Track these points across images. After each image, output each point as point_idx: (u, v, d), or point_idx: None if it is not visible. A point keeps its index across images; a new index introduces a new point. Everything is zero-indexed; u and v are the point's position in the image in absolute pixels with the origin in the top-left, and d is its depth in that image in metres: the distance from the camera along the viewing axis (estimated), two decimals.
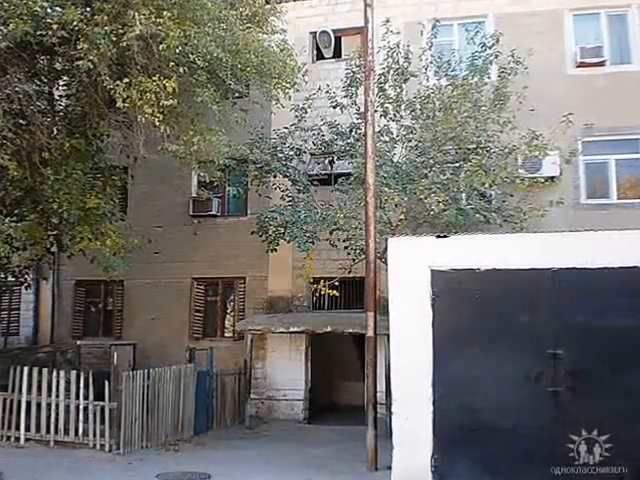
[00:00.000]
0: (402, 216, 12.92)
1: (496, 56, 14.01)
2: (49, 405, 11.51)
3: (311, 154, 15.56)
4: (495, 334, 8.42)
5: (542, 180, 13.71)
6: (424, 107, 13.73)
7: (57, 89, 12.82)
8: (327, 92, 14.64)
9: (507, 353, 8.38)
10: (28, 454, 10.92)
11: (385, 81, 13.81)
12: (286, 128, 15.01)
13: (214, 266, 16.65)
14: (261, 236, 14.10)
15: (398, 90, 13.84)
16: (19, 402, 11.59)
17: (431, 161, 13.10)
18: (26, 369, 11.68)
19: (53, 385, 11.58)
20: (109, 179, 13.55)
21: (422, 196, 12.44)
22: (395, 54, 13.75)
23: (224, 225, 16.95)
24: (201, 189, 16.88)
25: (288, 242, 13.91)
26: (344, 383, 17.16)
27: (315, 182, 15.02)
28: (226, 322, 17.17)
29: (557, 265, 8.26)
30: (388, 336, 9.07)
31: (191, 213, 16.87)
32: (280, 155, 14.85)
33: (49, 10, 10.46)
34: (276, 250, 14.33)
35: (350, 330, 13.90)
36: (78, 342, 16.00)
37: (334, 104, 14.41)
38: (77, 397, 11.43)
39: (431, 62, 14.32)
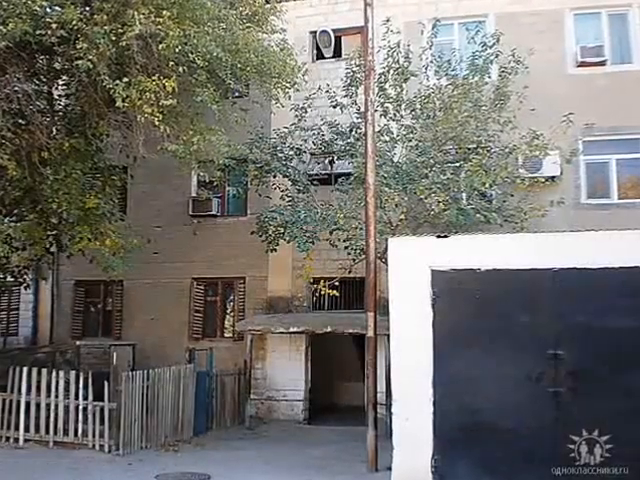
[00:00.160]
0: (402, 216, 12.91)
1: (497, 55, 13.99)
2: (48, 405, 11.49)
3: (311, 154, 15.54)
4: (496, 334, 8.40)
5: (543, 180, 13.70)
6: (424, 107, 13.71)
7: (56, 89, 12.81)
8: (327, 92, 14.61)
9: (508, 353, 8.36)
10: (27, 454, 10.91)
11: (385, 81, 13.79)
12: (286, 128, 15.00)
13: (214, 266, 16.64)
14: (261, 236, 14.08)
15: (398, 90, 13.82)
16: (18, 402, 11.58)
17: (431, 161, 13.07)
18: (25, 369, 11.67)
19: (52, 385, 11.56)
20: (108, 179, 13.54)
21: (422, 196, 12.42)
22: (395, 53, 13.72)
23: (224, 225, 16.93)
24: (201, 189, 16.85)
25: (288, 242, 13.88)
26: (344, 383, 17.13)
27: (315, 182, 14.99)
28: (226, 322, 17.15)
29: (558, 265, 8.24)
30: (388, 336, 9.06)
31: (191, 213, 16.85)
32: (280, 155, 14.83)
33: (48, 9, 10.44)
34: (276, 250, 14.31)
35: (350, 330, 13.88)
36: (77, 342, 15.99)
37: (334, 104, 14.39)
38: (76, 397, 11.42)
39: (431, 61, 14.29)
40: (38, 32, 10.16)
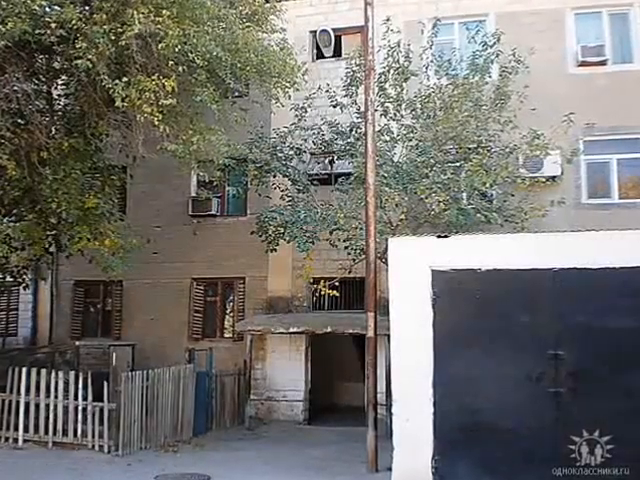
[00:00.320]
0: (402, 216, 12.89)
1: (497, 55, 13.97)
2: (47, 406, 11.47)
3: (311, 154, 15.52)
4: (496, 334, 8.39)
5: (543, 180, 13.69)
6: (425, 106, 13.70)
7: (56, 88, 12.80)
8: (327, 91, 14.59)
9: (508, 354, 8.34)
10: (26, 455, 10.90)
11: (385, 80, 13.77)
12: (286, 127, 14.98)
13: (213, 266, 16.61)
14: (261, 236, 14.06)
15: (398, 89, 13.80)
16: (17, 403, 11.58)
17: (432, 161, 13.04)
18: (25, 370, 11.65)
19: (52, 386, 11.53)
20: (108, 179, 13.52)
21: (423, 196, 12.40)
22: (395, 53, 13.70)
23: (224, 225, 16.90)
24: (200, 189, 16.80)
25: (288, 242, 13.86)
26: (344, 384, 17.11)
27: (315, 182, 14.97)
28: (226, 322, 17.13)
29: (558, 265, 8.23)
30: (388, 336, 9.03)
31: (190, 213, 16.82)
32: (280, 155, 14.81)
33: (47, 9, 10.44)
34: (276, 250, 14.30)
35: (350, 330, 13.87)
36: (77, 343, 15.97)
37: (334, 103, 14.37)
38: (76, 398, 11.39)
39: (432, 61, 14.28)
40: (37, 31, 10.14)
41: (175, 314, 16.71)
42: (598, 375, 8.06)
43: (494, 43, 13.97)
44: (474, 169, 12.43)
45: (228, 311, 17.24)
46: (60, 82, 12.67)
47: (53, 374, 11.70)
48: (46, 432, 11.37)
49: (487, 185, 12.53)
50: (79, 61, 10.10)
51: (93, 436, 11.16)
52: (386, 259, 9.91)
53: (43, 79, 12.32)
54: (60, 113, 12.78)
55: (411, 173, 12.92)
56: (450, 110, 13.19)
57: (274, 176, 14.87)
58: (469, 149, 13.22)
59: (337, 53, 16.64)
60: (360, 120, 13.56)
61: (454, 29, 15.80)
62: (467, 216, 12.50)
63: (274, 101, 13.26)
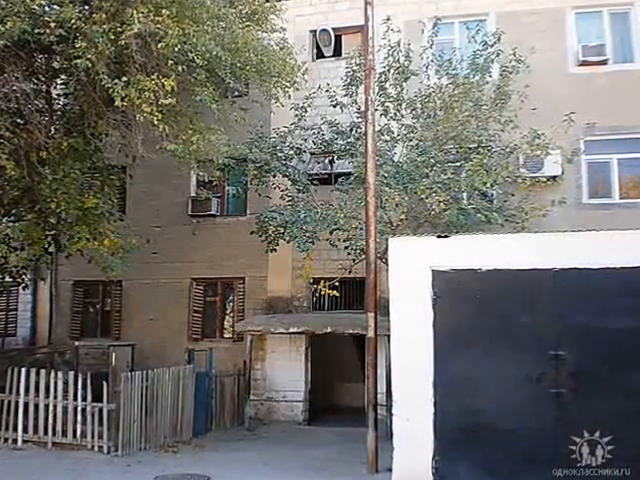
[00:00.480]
0: (403, 216, 12.87)
1: (497, 55, 13.94)
2: (47, 406, 11.46)
3: (311, 153, 15.49)
4: (496, 335, 8.38)
5: (544, 180, 13.67)
6: (425, 106, 13.67)
7: (55, 88, 12.77)
8: (327, 91, 14.56)
9: (508, 354, 8.33)
10: (26, 456, 10.89)
11: (386, 80, 13.75)
12: (286, 127, 14.96)
13: (213, 266, 16.59)
14: (260, 236, 14.04)
15: (399, 89, 13.78)
16: (17, 403, 11.57)
17: (432, 160, 13.02)
18: (24, 370, 11.64)
19: (51, 386, 11.52)
20: (107, 179, 13.51)
21: (423, 196, 12.37)
22: (396, 52, 13.68)
23: (223, 225, 16.87)
24: (200, 189, 16.76)
25: (288, 242, 13.84)
26: (344, 384, 17.07)
27: (315, 182, 14.94)
28: (225, 323, 17.10)
29: (559, 265, 8.21)
30: (389, 337, 9.02)
31: (190, 213, 16.79)
32: (280, 154, 14.79)
33: (47, 8, 10.43)
34: (276, 250, 14.27)
35: (350, 331, 13.84)
36: (76, 343, 15.92)
37: (334, 103, 14.35)
38: (75, 398, 11.38)
39: (432, 61, 14.25)
40: (37, 31, 10.12)
41: (175, 314, 16.69)
42: (599, 375, 8.04)
43: (494, 43, 13.95)
44: (474, 169, 12.40)
45: (228, 311, 17.21)
46: (59, 82, 12.65)
47: (52, 374, 11.68)
48: (45, 433, 11.36)
49: (487, 185, 12.51)
50: (78, 60, 10.08)
51: (92, 437, 11.14)
52: (386, 259, 9.90)
53: (42, 78, 12.29)
54: (59, 113, 12.75)
55: (411, 173, 12.89)
56: (450, 110, 13.16)
57: (274, 176, 14.84)
58: (469, 149, 13.18)
59: (337, 52, 16.60)
60: (360, 120, 13.54)
61: (454, 28, 15.76)
62: (467, 216, 12.47)
63: (274, 101, 13.25)
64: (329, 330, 14.02)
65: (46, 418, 11.39)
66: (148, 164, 13.01)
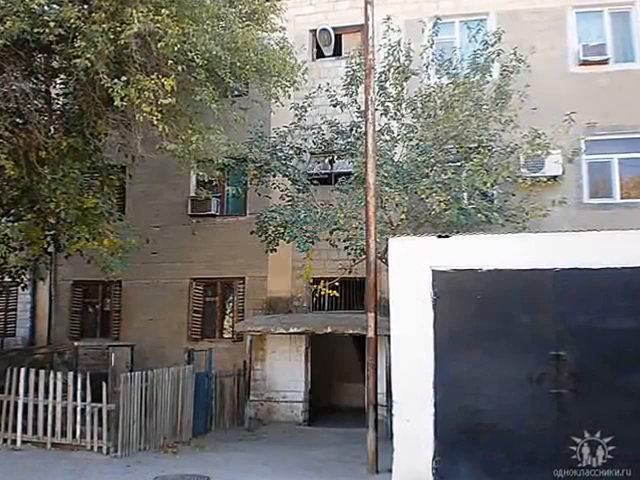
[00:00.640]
0: (403, 216, 12.84)
1: (498, 54, 13.90)
2: (46, 407, 11.41)
3: (311, 153, 15.46)
4: (497, 335, 8.36)
5: (544, 179, 13.65)
6: (425, 106, 13.65)
7: (54, 87, 12.73)
8: (327, 90, 14.55)
9: (509, 354, 8.31)
10: (25, 456, 10.85)
11: (386, 79, 13.75)
12: (286, 127, 14.94)
13: (213, 266, 16.56)
14: (260, 236, 14.02)
15: (399, 88, 13.77)
16: (16, 404, 11.52)
17: (432, 160, 13.00)
18: (23, 370, 11.59)
19: (50, 386, 11.47)
20: (107, 178, 13.50)
21: (423, 196, 12.36)
22: (396, 52, 13.67)
23: (223, 225, 16.85)
24: (200, 188, 16.71)
25: (288, 242, 13.81)
26: (344, 384, 17.07)
27: (315, 181, 14.92)
28: (225, 323, 17.07)
29: (559, 265, 8.19)
30: (389, 337, 9.00)
31: (190, 213, 16.76)
32: (280, 154, 14.77)
33: (46, 8, 10.38)
34: (276, 250, 14.25)
35: (350, 331, 13.83)
36: (75, 343, 15.85)
37: (334, 102, 14.33)
38: (74, 399, 11.34)
39: (432, 60, 14.24)
40: (36, 30, 10.09)
41: (174, 314, 16.66)
42: (600, 376, 8.02)
43: (495, 42, 13.91)
44: (475, 169, 12.39)
45: (228, 311, 17.18)
46: (59, 81, 12.62)
47: (52, 375, 11.63)
48: (45, 433, 11.31)
49: (488, 185, 12.50)
50: (78, 60, 10.06)
51: (92, 437, 11.10)
52: (386, 259, 9.88)
53: (42, 78, 12.25)
54: (59, 112, 12.71)
55: (412, 173, 12.87)
56: (451, 109, 13.15)
57: (274, 176, 14.82)
58: (470, 149, 13.16)
59: (337, 52, 16.59)
60: (360, 119, 13.52)
61: (455, 28, 15.73)
62: (468, 216, 12.45)
63: (274, 100, 13.22)
64: (329, 330, 13.99)
65: (45, 419, 11.35)
66: (148, 164, 12.99)
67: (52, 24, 9.94)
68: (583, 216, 13.87)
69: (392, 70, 13.74)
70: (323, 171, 15.57)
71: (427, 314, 8.40)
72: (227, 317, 17.11)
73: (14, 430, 11.40)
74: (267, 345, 15.91)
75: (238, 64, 11.43)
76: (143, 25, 9.76)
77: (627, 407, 7.87)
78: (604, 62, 15.00)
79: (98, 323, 17.88)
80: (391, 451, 8.44)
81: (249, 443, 12.76)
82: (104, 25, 9.98)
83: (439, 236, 8.97)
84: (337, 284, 13.63)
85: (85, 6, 10.73)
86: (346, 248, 12.93)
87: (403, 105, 13.79)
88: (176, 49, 10.11)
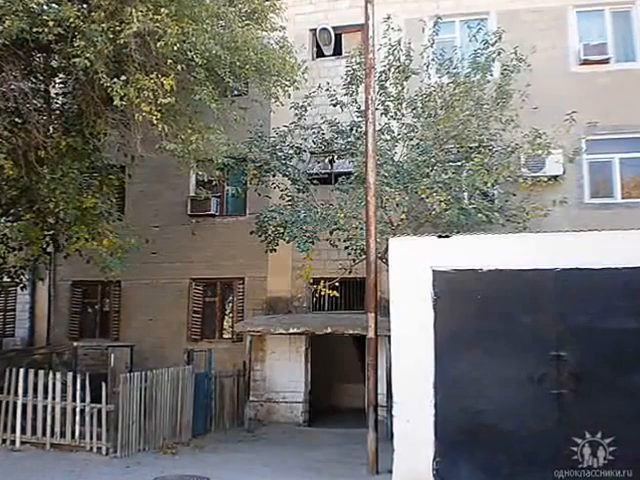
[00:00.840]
0: (403, 216, 12.82)
1: (499, 53, 13.88)
2: (45, 407, 11.38)
3: (311, 153, 15.43)
4: (497, 335, 8.34)
5: (545, 179, 13.64)
6: (425, 105, 13.64)
7: (53, 87, 12.72)
8: (327, 90, 14.55)
9: (510, 355, 8.29)
10: (24, 457, 10.82)
11: (386, 79, 13.74)
12: (286, 126, 14.92)
13: (213, 266, 16.53)
14: (260, 236, 14.00)
15: (399, 88, 13.75)
16: (15, 404, 11.49)
17: (433, 160, 12.98)
18: (22, 371, 11.57)
19: (49, 387, 11.43)
20: (106, 178, 13.46)
21: (424, 195, 12.34)
22: (396, 51, 13.65)
23: (223, 225, 16.82)
24: (199, 188, 16.70)
25: (287, 242, 13.79)
26: (344, 385, 17.05)
27: (315, 181, 14.90)
28: (225, 323, 17.04)
29: (560, 265, 8.17)
30: (389, 337, 8.97)
31: (189, 213, 16.73)
32: (280, 154, 14.74)
33: (45, 7, 10.41)
34: (275, 250, 14.23)
35: (351, 331, 13.81)
36: (75, 343, 15.83)
37: (334, 102, 14.33)
38: (73, 399, 11.30)
39: (433, 59, 14.23)
40: (35, 30, 10.08)
41: (174, 315, 16.63)
42: (601, 376, 8.01)
43: (495, 41, 13.89)
44: (475, 168, 12.37)
45: (227, 312, 17.15)
46: (58, 81, 12.63)
47: (51, 375, 11.60)
48: (44, 434, 11.26)
49: (488, 185, 12.49)
50: (77, 59, 10.07)
51: (91, 438, 11.06)
52: (387, 259, 9.85)
53: (41, 77, 12.23)
54: (58, 112, 12.71)
55: (412, 172, 12.85)
56: (451, 109, 13.14)
57: (274, 175, 14.80)
58: (470, 148, 13.15)
59: (337, 51, 16.57)
60: (360, 119, 13.51)
61: (455, 27, 15.71)
62: (468, 216, 12.43)
63: (274, 100, 13.19)
64: (329, 331, 13.97)
65: (44, 419, 11.31)
66: (147, 164, 13.00)
67: (51, 23, 9.95)
68: (584, 216, 13.84)
69: (392, 69, 13.72)
70: (323, 171, 15.55)
71: (427, 314, 8.38)
72: (227, 317, 17.07)
73: (13, 431, 11.36)
74: (267, 345, 15.88)
75: (238, 63, 11.43)
76: (142, 24, 9.76)
77: (628, 407, 7.86)
78: (605, 61, 14.98)
79: (97, 323, 17.83)
80: (391, 452, 8.42)
81: (249, 444, 12.73)
82: (103, 24, 9.98)
83: (439, 236, 8.96)
84: (337, 284, 13.61)
85: (84, 5, 10.74)
86: (346, 248, 12.90)
87: (403, 104, 13.78)
88: (175, 48, 10.10)
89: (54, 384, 11.44)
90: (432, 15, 14.49)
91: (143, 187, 16.84)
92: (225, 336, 16.81)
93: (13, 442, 11.33)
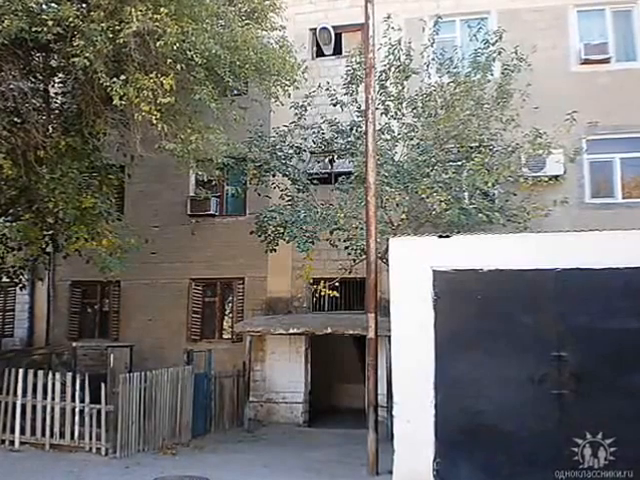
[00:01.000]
0: (403, 216, 12.80)
1: (499, 53, 13.83)
2: (44, 408, 11.37)
3: (311, 152, 15.41)
4: (498, 336, 8.33)
5: (546, 179, 13.64)
6: (426, 105, 13.61)
7: (53, 86, 12.68)
8: (327, 89, 14.53)
9: (510, 355, 8.28)
10: (23, 457, 10.82)
11: (386, 78, 13.71)
12: (285, 126, 14.90)
13: (212, 266, 16.50)
14: (260, 236, 13.98)
15: (399, 87, 13.73)
16: (14, 405, 11.49)
17: (433, 160, 12.96)
18: (21, 371, 11.57)
19: (48, 387, 11.43)
20: (105, 178, 13.43)
21: (424, 195, 12.32)
22: (396, 51, 13.63)
23: (222, 225, 16.79)
24: (199, 188, 16.71)
25: (287, 242, 13.77)
26: (344, 385, 17.02)
27: (315, 181, 14.87)
28: (224, 323, 17.01)
29: (561, 265, 8.17)
30: (389, 337, 8.96)
31: (189, 213, 16.70)
32: (279, 154, 14.72)
33: (44, 6, 10.41)
34: (275, 250, 14.21)
35: (351, 331, 13.78)
36: (74, 344, 15.77)
37: (334, 102, 14.31)
38: (73, 400, 11.29)
39: (433, 59, 14.19)
40: (34, 29, 10.07)
41: (173, 315, 16.60)
42: (601, 377, 8.00)
43: (496, 41, 13.84)
44: (476, 168, 12.35)
45: (227, 312, 17.12)
46: (57, 80, 12.60)
47: (50, 375, 11.60)
48: (43, 434, 11.26)
49: (489, 184, 12.47)
50: (76, 59, 10.06)
51: (90, 438, 11.05)
52: (387, 259, 9.84)
53: (40, 77, 12.20)
54: (57, 112, 12.68)
55: (412, 172, 12.83)
56: (452, 108, 13.11)
57: (274, 175, 14.78)
58: (471, 148, 13.13)
59: (337, 51, 16.54)
60: (360, 119, 13.49)
61: (455, 27, 15.68)
62: (469, 216, 12.40)
63: (274, 99, 13.17)
64: (329, 331, 13.94)
65: (44, 420, 11.30)
66: (147, 163, 12.98)
67: (50, 23, 9.94)
68: (585, 216, 13.82)
69: (393, 69, 13.70)
70: (323, 171, 15.54)
71: (428, 314, 8.37)
72: (226, 317, 17.04)
73: (12, 431, 11.35)
74: (267, 346, 15.86)
75: (237, 63, 11.40)
76: (142, 24, 9.74)
77: (629, 408, 7.85)
78: (606, 61, 14.95)
79: (97, 323, 17.80)
80: (391, 452, 8.41)
81: (249, 444, 12.71)
82: (103, 24, 9.96)
83: (440, 236, 8.95)
84: (337, 284, 13.58)
85: (84, 5, 10.73)
86: (346, 248, 12.88)
87: (404, 104, 13.75)
88: (175, 48, 10.08)
89: (53, 384, 11.44)
90: (432, 14, 14.45)
91: (143, 187, 16.81)
92: (225, 336, 16.78)
93: (12, 442, 11.33)
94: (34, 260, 13.95)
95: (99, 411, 11.06)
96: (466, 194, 13.04)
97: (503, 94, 13.58)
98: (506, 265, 8.33)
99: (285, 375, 15.54)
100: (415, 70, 13.80)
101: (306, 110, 14.72)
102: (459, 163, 13.06)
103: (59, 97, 12.83)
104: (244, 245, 15.58)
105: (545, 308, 8.21)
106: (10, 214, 12.74)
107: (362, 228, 11.89)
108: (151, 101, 10.20)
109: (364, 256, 11.38)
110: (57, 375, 11.67)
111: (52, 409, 11.33)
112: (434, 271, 8.45)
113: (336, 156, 15.21)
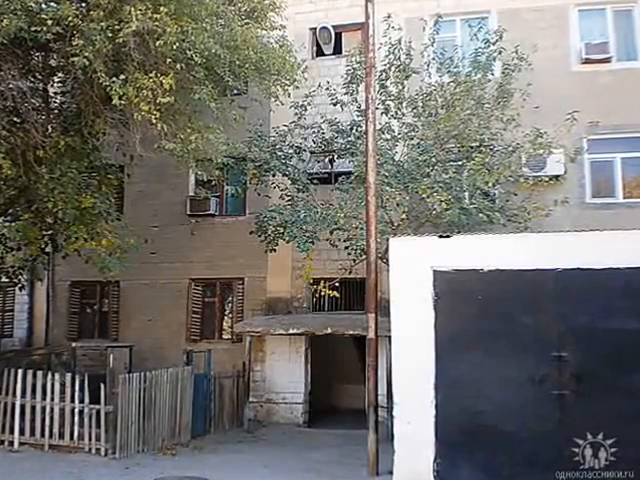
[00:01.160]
0: (404, 216, 12.78)
1: (500, 52, 13.81)
2: (44, 408, 11.36)
3: (311, 152, 15.39)
4: (498, 336, 8.32)
5: (546, 179, 13.62)
6: (426, 104, 13.60)
7: (52, 86, 12.67)
8: (327, 89, 14.52)
9: (511, 355, 8.27)
10: (22, 458, 10.81)
11: (386, 78, 13.70)
12: (285, 126, 14.88)
13: (212, 267, 16.48)
14: (260, 236, 13.96)
15: (400, 87, 13.72)
16: (13, 405, 11.48)
17: (433, 159, 12.94)
18: (20, 372, 11.55)
19: (48, 388, 11.42)
20: (105, 178, 13.41)
21: (424, 195, 12.30)
22: (397, 50, 13.61)
23: (222, 225, 16.77)
24: (199, 188, 16.71)
25: (287, 242, 13.75)
26: (344, 386, 17.01)
27: (315, 181, 14.85)
28: (224, 324, 16.99)
29: (561, 266, 8.15)
30: (389, 338, 8.96)
31: (188, 212, 16.68)
32: (279, 153, 14.70)
33: (44, 6, 10.40)
34: (275, 250, 14.19)
35: (351, 332, 13.76)
36: (73, 344, 15.73)
37: (334, 101, 14.30)
38: (72, 400, 11.27)
39: (433, 58, 14.16)
40: (33, 28, 10.06)
41: (173, 315, 16.58)
42: (602, 377, 7.99)
43: (496, 40, 13.81)
44: (476, 168, 12.33)
45: (227, 312, 17.10)
46: (56, 80, 12.58)
47: (49, 376, 11.59)
48: (42, 435, 11.25)
49: (489, 184, 12.45)
50: (76, 58, 10.06)
51: (90, 439, 11.04)
52: (387, 259, 9.83)
53: (39, 77, 12.19)
54: (56, 111, 12.67)
55: (412, 172, 12.81)
56: (452, 108, 13.09)
57: (273, 175, 14.76)
58: (471, 148, 13.12)
59: (337, 50, 16.51)
60: (361, 118, 13.47)
61: (456, 26, 15.65)
62: (469, 216, 12.38)
63: (273, 99, 13.13)
64: (329, 331, 13.92)
65: (43, 420, 11.29)
66: (146, 163, 12.97)
67: (50, 22, 9.92)
68: (585, 216, 13.80)
69: (393, 68, 13.68)
70: (323, 170, 15.52)
71: (428, 315, 8.36)
72: (226, 318, 17.03)
73: (11, 432, 11.34)
74: (267, 346, 15.84)
75: (237, 62, 11.38)
76: (141, 23, 9.73)
77: (630, 408, 7.84)
78: (607, 60, 14.93)
79: (96, 324, 17.77)
80: (392, 453, 8.41)
81: (248, 445, 12.71)
82: (102, 23, 9.95)
83: (440, 236, 8.95)
84: (337, 284, 13.55)
85: (83, 4, 10.71)
86: (346, 248, 12.86)
87: (404, 104, 13.74)
88: (175, 47, 10.06)
89: (53, 385, 11.43)
90: (433, 14, 14.41)
91: (142, 187, 16.79)
92: (224, 337, 16.76)
93: (12, 443, 11.31)
94: (33, 260, 13.95)
95: (98, 411, 11.05)
96: (466, 194, 13.03)
97: (503, 94, 13.56)
98: (506, 265, 8.32)
99: (285, 375, 15.53)
100: (415, 70, 13.78)
101: (306, 110, 14.70)
102: (459, 163, 13.04)
103: (58, 97, 12.81)
104: (244, 245, 15.56)
105: (545, 308, 8.20)
106: (9, 214, 12.76)
107: (362, 228, 11.86)
108: (151, 101, 10.18)
109: (364, 256, 11.37)
110: (56, 375, 11.65)
111: (51, 409, 11.31)
112: (434, 271, 8.44)
113: (336, 156, 15.19)
